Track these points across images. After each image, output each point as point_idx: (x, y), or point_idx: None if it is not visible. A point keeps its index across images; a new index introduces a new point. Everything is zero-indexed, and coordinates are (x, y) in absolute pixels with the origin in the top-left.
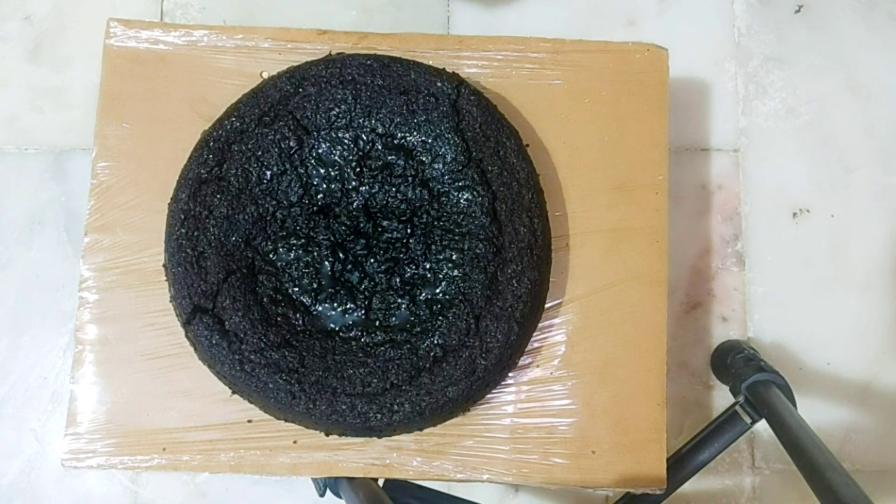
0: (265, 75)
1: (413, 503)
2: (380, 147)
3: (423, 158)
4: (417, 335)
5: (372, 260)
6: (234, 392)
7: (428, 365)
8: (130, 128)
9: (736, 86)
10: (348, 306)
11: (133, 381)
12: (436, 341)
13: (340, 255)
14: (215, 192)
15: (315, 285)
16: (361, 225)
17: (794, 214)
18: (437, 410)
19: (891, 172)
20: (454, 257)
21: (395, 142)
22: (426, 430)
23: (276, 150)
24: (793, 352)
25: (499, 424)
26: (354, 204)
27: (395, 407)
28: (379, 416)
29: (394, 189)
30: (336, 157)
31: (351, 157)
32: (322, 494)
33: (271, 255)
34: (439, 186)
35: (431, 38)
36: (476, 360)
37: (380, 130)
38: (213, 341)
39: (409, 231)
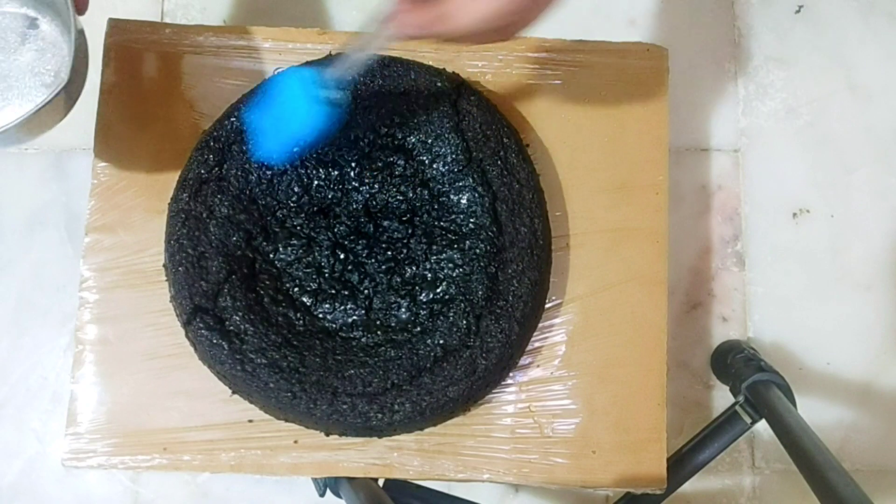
0: (266, 75)
1: (413, 503)
2: (380, 147)
3: (424, 158)
4: (418, 335)
5: (372, 260)
6: (234, 392)
7: (428, 365)
8: (131, 128)
9: (736, 86)
10: (349, 306)
11: (133, 381)
12: (436, 341)
13: (341, 255)
14: (216, 192)
15: (315, 285)
16: (362, 225)
17: (794, 214)
18: (438, 410)
19: (891, 172)
20: (455, 257)
21: (396, 142)
22: (426, 430)
23: None
24: (793, 352)
25: (499, 424)
26: (355, 204)
27: (396, 407)
28: (379, 415)
29: (394, 189)
30: (336, 158)
31: (351, 158)
32: (322, 494)
33: (272, 255)
34: (440, 186)
35: None
36: (476, 359)
37: (380, 131)
38: (214, 341)
39: (409, 231)
